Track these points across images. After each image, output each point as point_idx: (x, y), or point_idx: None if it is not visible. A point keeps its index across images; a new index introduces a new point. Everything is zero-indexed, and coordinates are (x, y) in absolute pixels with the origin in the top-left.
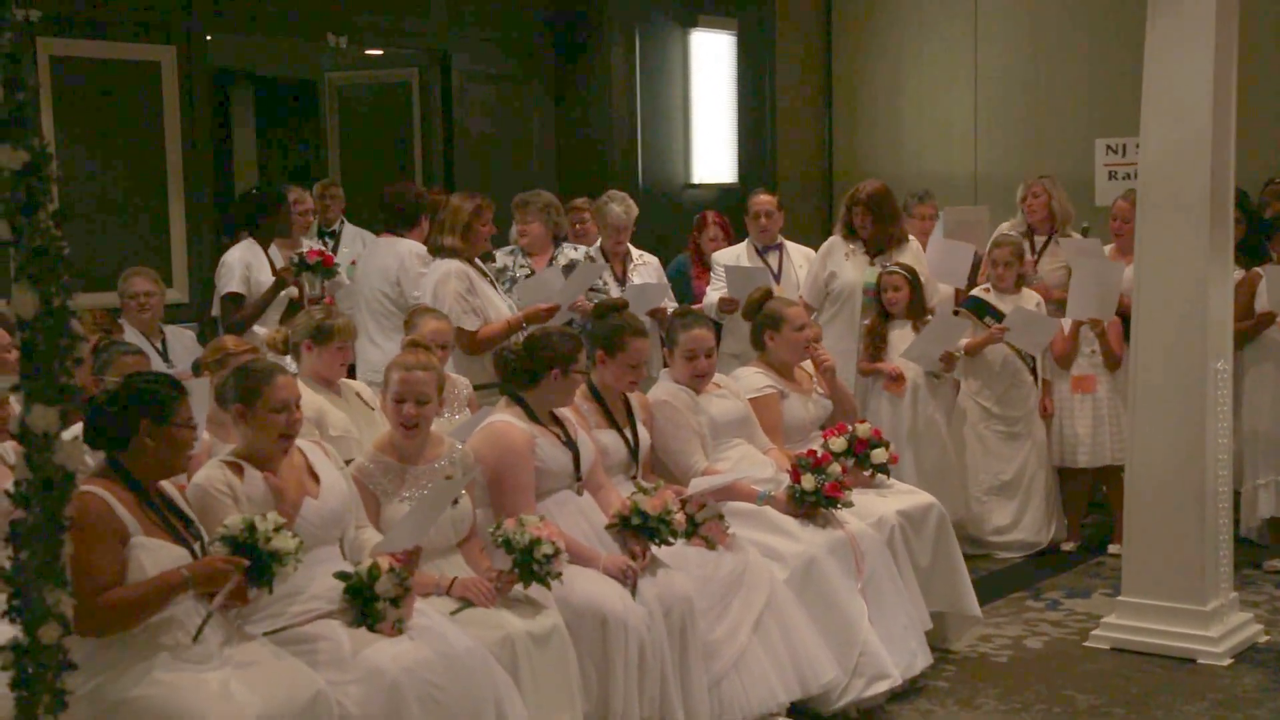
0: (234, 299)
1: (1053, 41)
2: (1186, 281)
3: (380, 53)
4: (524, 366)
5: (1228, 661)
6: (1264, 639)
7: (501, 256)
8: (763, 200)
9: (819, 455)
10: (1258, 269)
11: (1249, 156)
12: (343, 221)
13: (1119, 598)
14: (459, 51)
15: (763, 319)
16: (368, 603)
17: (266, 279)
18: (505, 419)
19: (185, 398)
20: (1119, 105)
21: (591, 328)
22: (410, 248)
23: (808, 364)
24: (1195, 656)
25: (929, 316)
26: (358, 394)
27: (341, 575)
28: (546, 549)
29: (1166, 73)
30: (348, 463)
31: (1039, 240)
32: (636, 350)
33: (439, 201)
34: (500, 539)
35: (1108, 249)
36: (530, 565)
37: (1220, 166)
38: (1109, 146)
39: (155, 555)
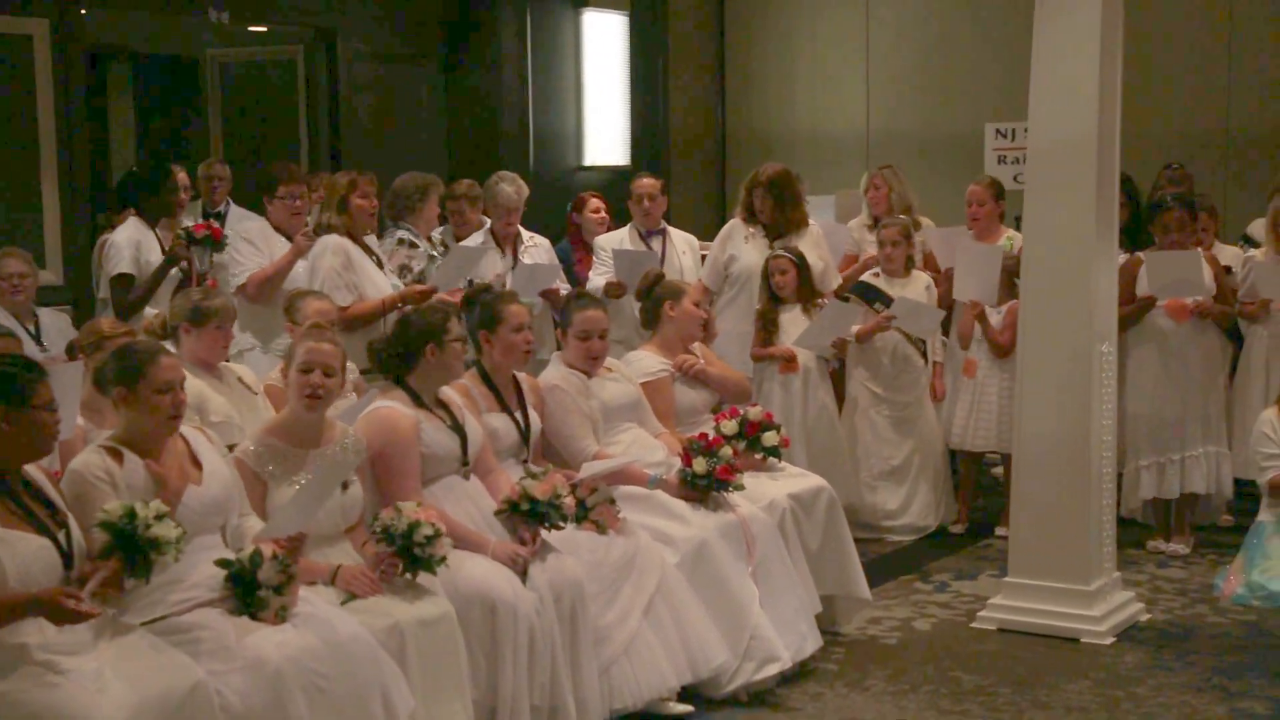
0: (123, 280)
1: (943, 27)
2: (1073, 264)
3: (264, 29)
4: (397, 350)
5: (1110, 640)
6: (1145, 617)
7: (406, 236)
8: (646, 184)
9: (710, 438)
10: (1139, 253)
11: (1141, 142)
12: (229, 203)
13: (1005, 579)
14: (346, 29)
15: (662, 291)
16: (250, 590)
17: (157, 259)
18: (389, 404)
19: (45, 380)
20: (1009, 90)
21: (467, 318)
22: (238, 228)
23: (698, 346)
24: (1079, 636)
25: (821, 301)
26: (239, 378)
27: (223, 562)
28: (426, 530)
29: (1054, 58)
30: (230, 448)
31: None
32: (514, 313)
33: (292, 174)
34: (379, 529)
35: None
36: (412, 550)
37: (1106, 151)
38: (998, 131)
39: (13, 549)
